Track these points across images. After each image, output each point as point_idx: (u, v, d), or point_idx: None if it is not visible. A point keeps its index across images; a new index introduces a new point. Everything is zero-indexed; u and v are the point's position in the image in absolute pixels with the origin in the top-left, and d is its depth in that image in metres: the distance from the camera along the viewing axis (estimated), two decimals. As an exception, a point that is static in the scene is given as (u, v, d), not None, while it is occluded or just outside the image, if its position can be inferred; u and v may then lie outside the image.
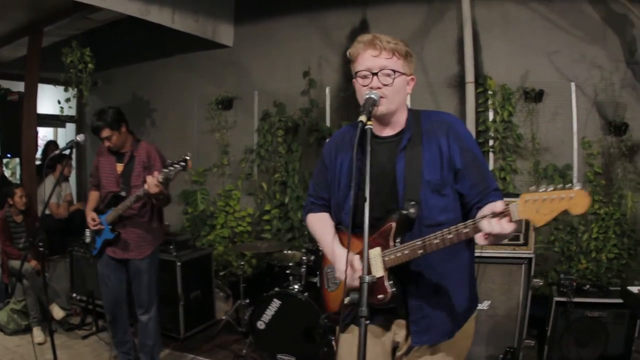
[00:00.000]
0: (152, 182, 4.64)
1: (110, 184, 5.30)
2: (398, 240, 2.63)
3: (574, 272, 6.45)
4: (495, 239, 2.26)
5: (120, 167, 5.29)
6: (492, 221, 2.22)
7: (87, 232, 5.44)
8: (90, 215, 5.29)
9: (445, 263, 2.72)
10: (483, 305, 5.38)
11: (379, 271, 2.63)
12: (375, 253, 2.66)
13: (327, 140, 3.20)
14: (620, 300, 4.98)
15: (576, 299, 5.29)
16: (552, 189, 2.10)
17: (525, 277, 5.40)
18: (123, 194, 5.16)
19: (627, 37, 6.35)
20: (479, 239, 2.29)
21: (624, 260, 6.36)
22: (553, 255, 6.70)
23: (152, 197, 4.90)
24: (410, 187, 2.67)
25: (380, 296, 2.62)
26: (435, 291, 2.75)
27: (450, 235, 2.41)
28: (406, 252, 2.56)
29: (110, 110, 5.16)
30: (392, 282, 2.62)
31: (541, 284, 5.63)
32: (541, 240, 6.59)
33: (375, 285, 2.62)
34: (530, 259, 5.37)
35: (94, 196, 5.59)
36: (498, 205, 2.23)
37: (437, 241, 2.45)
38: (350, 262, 2.68)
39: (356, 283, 2.52)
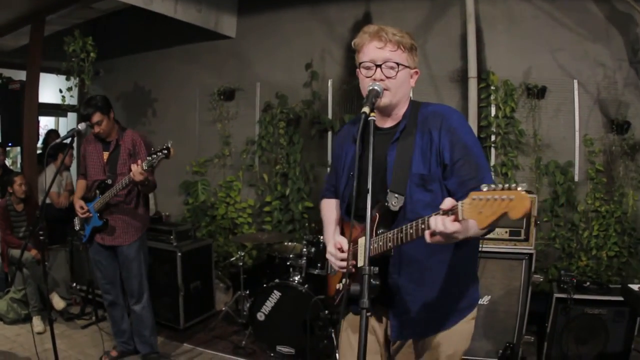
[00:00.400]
0: (137, 171, 4.80)
1: (96, 172, 5.38)
2: (380, 231, 2.62)
3: (574, 269, 6.46)
4: (443, 239, 2.17)
5: (106, 155, 5.38)
6: (437, 218, 2.16)
7: (76, 220, 5.56)
8: (79, 203, 5.37)
9: (429, 258, 2.70)
10: (483, 301, 5.39)
11: (361, 260, 2.66)
12: (361, 242, 2.72)
13: (340, 130, 3.23)
14: (621, 298, 5.01)
15: (576, 296, 5.30)
16: (500, 187, 1.92)
17: (526, 273, 5.41)
18: (109, 181, 5.27)
19: (631, 35, 6.34)
20: (426, 236, 2.22)
21: (625, 258, 6.37)
22: (553, 252, 6.70)
23: (137, 184, 5.03)
24: (396, 180, 2.67)
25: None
26: (418, 286, 2.73)
27: (411, 230, 2.37)
28: (380, 243, 2.57)
29: (99, 96, 5.31)
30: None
31: (541, 280, 5.65)
32: (542, 236, 6.61)
33: (357, 275, 2.65)
34: (530, 254, 5.38)
35: (81, 184, 5.65)
36: (447, 203, 2.14)
37: (402, 235, 2.43)
38: (336, 246, 2.85)
39: (337, 264, 2.83)
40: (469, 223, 2.11)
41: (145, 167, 4.78)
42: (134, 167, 4.84)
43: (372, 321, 2.91)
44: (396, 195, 2.63)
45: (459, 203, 2.07)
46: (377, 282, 2.57)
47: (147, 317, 5.56)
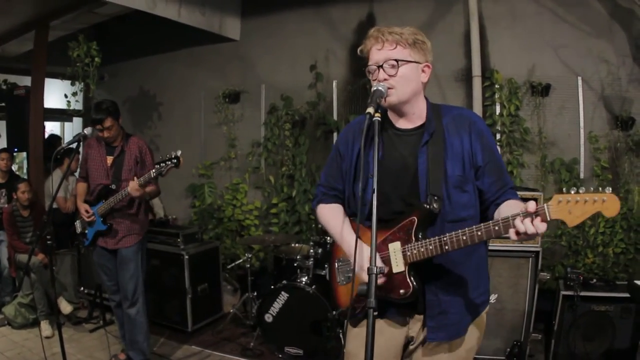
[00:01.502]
0: (134, 187, 4.92)
1: (99, 176, 5.39)
2: (420, 235, 2.63)
3: (581, 266, 6.46)
4: (527, 237, 2.27)
5: (110, 159, 5.40)
6: (525, 221, 2.23)
7: (78, 223, 5.59)
8: (83, 206, 5.39)
9: (467, 258, 2.74)
10: (490, 299, 5.38)
11: (399, 266, 2.64)
12: (396, 247, 2.67)
13: (345, 127, 3.16)
14: (627, 295, 5.01)
15: (583, 293, 5.30)
16: (583, 191, 2.16)
17: (533, 271, 5.41)
18: (113, 187, 5.28)
19: (634, 31, 6.34)
20: (512, 234, 2.29)
21: (631, 254, 6.36)
22: (560, 249, 6.70)
23: (136, 198, 5.14)
24: (433, 182, 2.66)
25: (402, 291, 2.63)
26: (454, 287, 2.75)
27: (480, 233, 2.41)
28: (431, 247, 2.56)
29: (109, 101, 5.34)
30: (413, 277, 2.63)
31: (548, 277, 5.65)
32: (548, 234, 6.60)
33: (396, 280, 2.64)
34: (537, 252, 5.39)
35: (82, 187, 5.65)
36: (531, 206, 2.23)
37: (465, 238, 2.46)
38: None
39: (379, 282, 2.53)
40: None
41: (141, 182, 4.89)
42: (131, 183, 4.93)
43: (394, 324, 2.88)
44: (436, 197, 2.64)
45: (545, 205, 2.22)
46: (415, 285, 2.62)
47: (141, 322, 5.51)
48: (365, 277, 2.39)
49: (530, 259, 5.39)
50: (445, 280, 2.74)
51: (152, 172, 4.82)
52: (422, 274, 2.69)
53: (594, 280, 5.55)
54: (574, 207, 2.17)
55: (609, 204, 2.12)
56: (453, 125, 2.75)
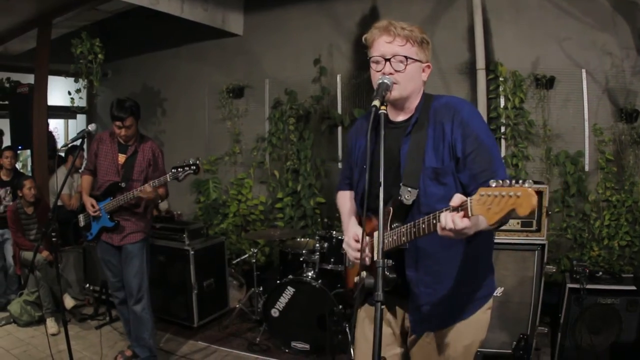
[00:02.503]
0: (146, 190, 4.98)
1: (109, 172, 5.39)
2: (395, 225, 2.64)
3: (587, 259, 6.45)
4: (454, 234, 2.19)
5: (122, 157, 5.39)
6: (447, 215, 2.18)
7: (81, 217, 5.58)
8: (90, 200, 5.38)
9: (445, 250, 2.70)
10: (496, 292, 5.37)
11: (377, 254, 2.65)
12: (377, 235, 2.65)
13: (356, 121, 3.26)
14: (633, 287, 5.02)
15: (589, 286, 5.28)
16: (508, 183, 1.95)
17: (538, 264, 5.40)
18: (123, 185, 5.28)
19: (638, 23, 6.32)
20: (438, 229, 2.24)
21: (636, 247, 6.35)
22: (565, 242, 6.70)
23: (143, 200, 5.20)
24: (409, 173, 2.67)
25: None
26: (435, 279, 2.74)
27: (424, 225, 2.39)
28: (394, 237, 2.58)
29: (132, 100, 5.32)
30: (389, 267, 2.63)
31: (554, 270, 5.64)
32: (553, 227, 6.60)
33: (373, 267, 2.65)
34: (543, 245, 5.37)
35: (88, 181, 5.63)
36: (456, 199, 2.17)
37: (415, 229, 2.44)
38: (354, 239, 2.85)
39: (353, 256, 2.82)
40: (479, 219, 2.13)
41: (170, 179, 4.94)
42: (144, 187, 4.98)
43: (389, 314, 2.93)
44: (409, 188, 2.63)
45: (468, 199, 2.10)
46: (394, 276, 2.63)
47: (147, 319, 5.51)
48: (350, 253, 2.80)
49: (536, 252, 5.38)
50: (426, 272, 2.73)
51: (169, 176, 4.86)
52: (402, 266, 2.72)
53: (600, 273, 5.54)
54: (493, 202, 1.98)
55: (522, 199, 1.90)
56: (437, 115, 2.72)
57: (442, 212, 2.22)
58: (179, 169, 4.83)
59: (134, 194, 5.08)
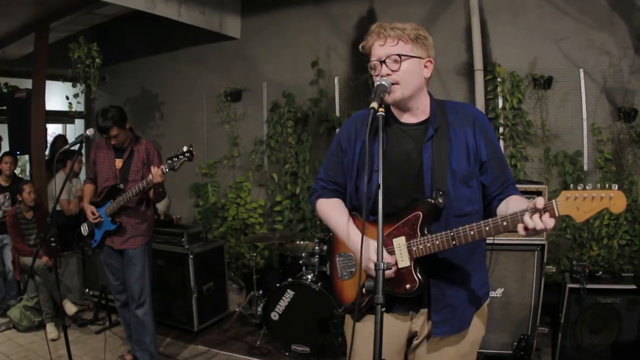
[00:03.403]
0: (158, 173, 4.90)
1: (107, 178, 5.41)
2: (425, 230, 2.63)
3: (586, 258, 6.45)
4: (535, 232, 2.30)
5: (119, 162, 5.43)
6: (534, 217, 2.26)
7: (84, 226, 5.57)
8: (90, 208, 5.38)
9: (472, 252, 2.76)
10: (496, 293, 5.38)
11: (404, 260, 2.63)
12: (400, 242, 2.65)
13: (346, 121, 3.16)
14: (633, 286, 5.01)
15: (589, 286, 5.27)
16: (590, 188, 2.18)
17: (538, 264, 5.39)
18: (121, 186, 5.31)
19: (635, 22, 6.32)
20: (520, 230, 2.31)
21: (636, 246, 6.35)
22: (565, 242, 6.70)
23: (154, 187, 5.10)
24: (439, 177, 2.67)
25: (407, 286, 2.64)
26: (459, 280, 2.76)
27: (488, 228, 2.43)
28: (437, 242, 2.56)
29: (114, 109, 5.31)
30: (419, 271, 2.63)
31: (554, 270, 5.65)
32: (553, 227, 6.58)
33: (401, 275, 2.64)
34: (542, 246, 5.36)
35: (89, 189, 5.65)
36: (539, 202, 2.25)
37: (473, 233, 2.47)
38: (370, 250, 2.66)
39: (387, 273, 2.52)
40: None
41: (166, 170, 4.89)
42: (154, 169, 4.94)
43: (396, 319, 2.87)
44: (441, 192, 2.64)
45: (554, 201, 2.24)
46: (422, 279, 2.63)
47: (149, 323, 5.51)
48: (373, 271, 2.37)
49: (536, 252, 5.38)
50: (451, 274, 2.74)
51: (165, 167, 4.86)
52: (427, 268, 2.68)
53: (600, 273, 5.53)
54: (582, 203, 2.19)
55: (616, 200, 2.14)
56: (458, 121, 2.76)
57: (525, 214, 2.30)
58: (174, 159, 4.82)
59: (131, 192, 5.09)
